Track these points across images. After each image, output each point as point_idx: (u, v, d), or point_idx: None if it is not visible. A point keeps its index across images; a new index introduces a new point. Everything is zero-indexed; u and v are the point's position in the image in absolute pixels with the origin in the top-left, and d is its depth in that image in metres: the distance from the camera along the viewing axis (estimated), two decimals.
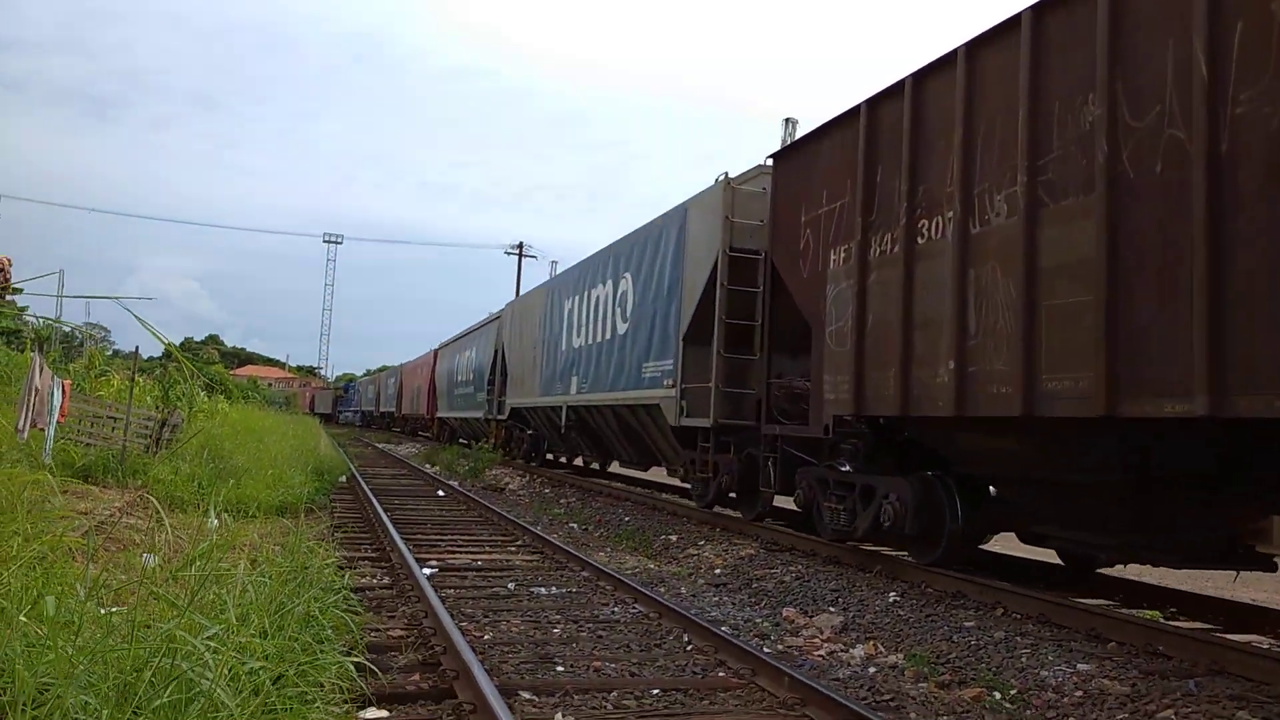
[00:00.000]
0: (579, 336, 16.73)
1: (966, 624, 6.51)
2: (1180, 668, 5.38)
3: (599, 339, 15.49)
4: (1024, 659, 5.68)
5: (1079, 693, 5.08)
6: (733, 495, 11.53)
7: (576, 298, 17.21)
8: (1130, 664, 5.46)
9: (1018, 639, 6.07)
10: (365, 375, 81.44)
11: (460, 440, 30.84)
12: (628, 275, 14.39)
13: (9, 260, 10.26)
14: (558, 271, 24.08)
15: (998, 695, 5.14)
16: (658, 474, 16.80)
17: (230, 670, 3.27)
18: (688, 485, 13.24)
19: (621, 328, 14.37)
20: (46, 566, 4.10)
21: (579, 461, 21.09)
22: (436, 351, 36.66)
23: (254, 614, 4.13)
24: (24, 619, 2.93)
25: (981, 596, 7.14)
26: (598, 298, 15.85)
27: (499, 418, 23.78)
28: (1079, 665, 5.47)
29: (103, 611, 3.67)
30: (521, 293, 42.94)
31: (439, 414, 34.75)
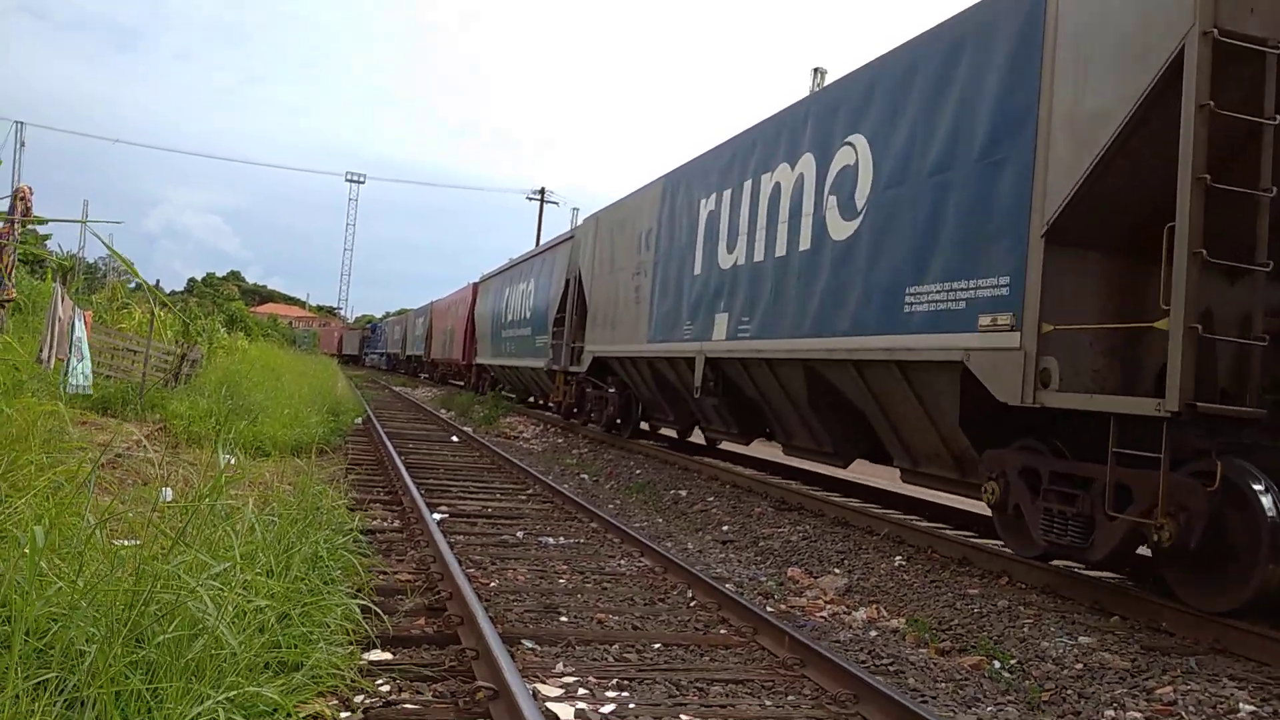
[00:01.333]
0: (732, 252, 11.26)
1: (971, 591, 6.52)
2: (1182, 645, 5.37)
3: (780, 253, 9.99)
4: (1026, 629, 5.69)
5: (1079, 665, 5.08)
6: (1144, 551, 6.21)
7: (727, 193, 11.59)
8: (1132, 639, 5.46)
9: (1021, 609, 6.07)
10: (385, 317, 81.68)
11: (504, 394, 26.39)
12: (855, 140, 8.70)
13: (30, 189, 10.30)
14: (579, 221, 20.25)
15: (997, 664, 5.15)
16: (863, 470, 11.21)
17: (235, 608, 3.31)
18: (981, 506, 7.41)
19: (841, 230, 8.76)
20: (60, 498, 4.14)
21: (666, 431, 16.40)
22: (476, 285, 31.17)
23: (261, 552, 4.18)
24: (29, 550, 2.97)
25: (988, 564, 7.13)
26: (775, 187, 10.28)
27: (572, 369, 17.76)
28: (1080, 638, 5.47)
29: (116, 544, 3.72)
30: (542, 240, 39.82)
31: (478, 360, 29.44)
